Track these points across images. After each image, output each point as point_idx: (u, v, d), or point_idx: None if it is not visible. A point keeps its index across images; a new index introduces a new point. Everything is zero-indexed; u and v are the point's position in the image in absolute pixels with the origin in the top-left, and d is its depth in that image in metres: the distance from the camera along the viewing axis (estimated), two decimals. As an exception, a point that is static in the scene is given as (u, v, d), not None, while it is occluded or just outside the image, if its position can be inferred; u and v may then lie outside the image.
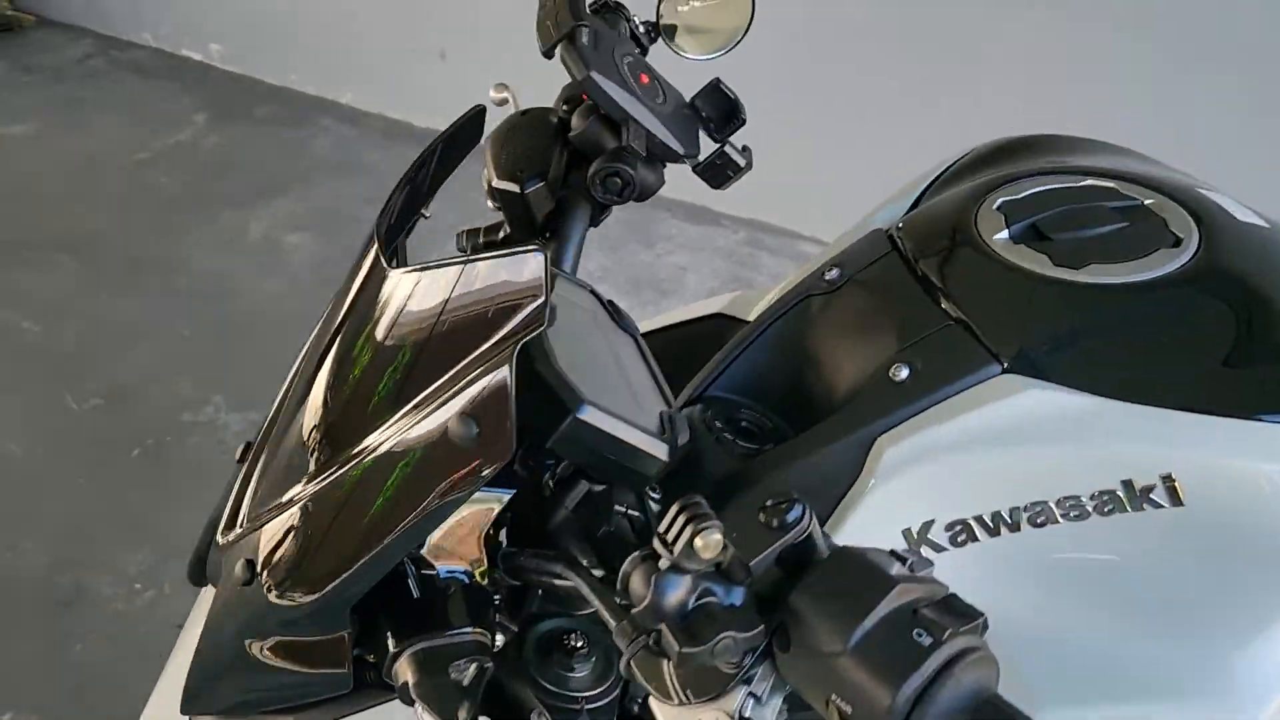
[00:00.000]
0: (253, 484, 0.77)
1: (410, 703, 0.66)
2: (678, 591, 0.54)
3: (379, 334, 0.67)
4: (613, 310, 0.85)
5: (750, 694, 0.56)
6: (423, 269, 0.66)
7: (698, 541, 0.53)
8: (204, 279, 3.36)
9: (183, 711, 0.75)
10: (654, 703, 0.59)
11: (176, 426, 2.77)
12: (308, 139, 4.10)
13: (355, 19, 4.08)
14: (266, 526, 0.71)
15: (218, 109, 4.31)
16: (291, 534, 0.69)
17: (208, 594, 0.83)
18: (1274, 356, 0.75)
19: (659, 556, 0.55)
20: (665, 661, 0.58)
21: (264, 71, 4.49)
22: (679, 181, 3.88)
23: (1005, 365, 0.75)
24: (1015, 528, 0.74)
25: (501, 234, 0.95)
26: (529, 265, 0.62)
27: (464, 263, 0.64)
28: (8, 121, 4.30)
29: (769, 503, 0.56)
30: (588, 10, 0.87)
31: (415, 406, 0.63)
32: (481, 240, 0.96)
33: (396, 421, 0.64)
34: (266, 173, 3.88)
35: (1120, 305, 0.76)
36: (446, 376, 0.62)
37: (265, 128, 4.19)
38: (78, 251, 3.45)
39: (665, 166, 0.91)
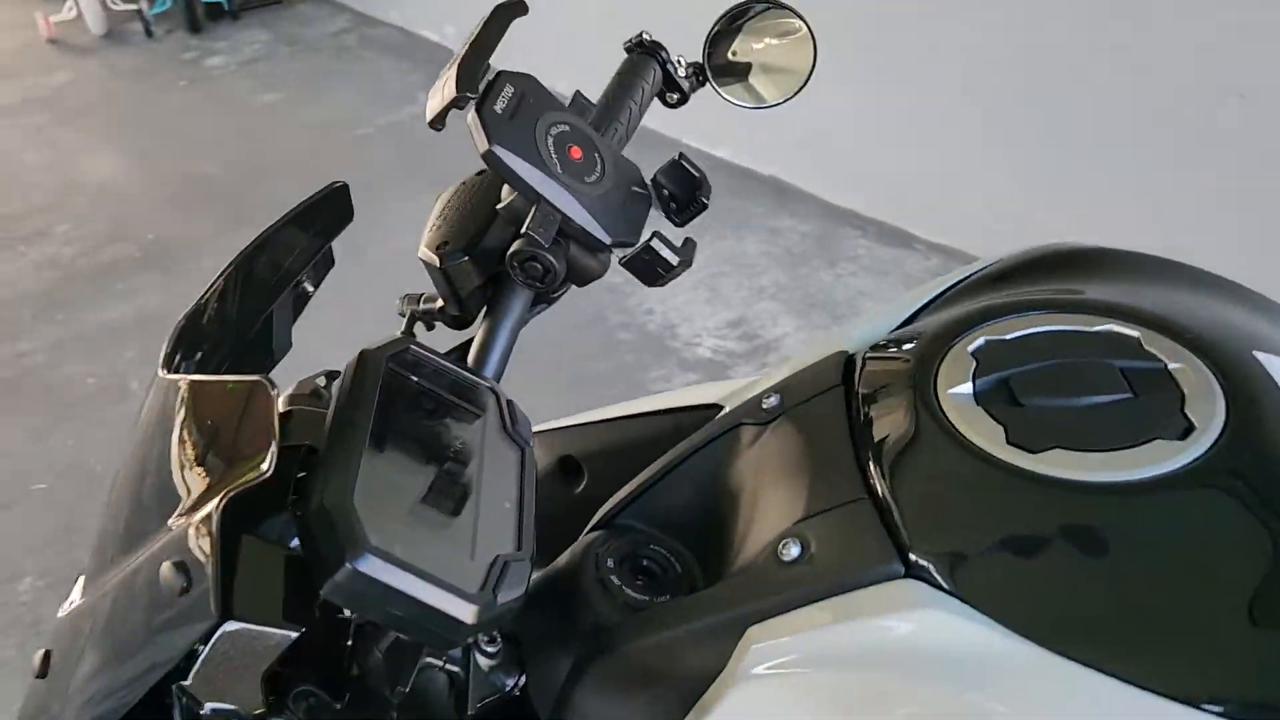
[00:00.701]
0: (90, 560, 0.73)
1: None
2: None
3: (152, 443, 0.61)
4: (509, 416, 0.74)
5: None
6: (182, 381, 0.58)
7: None
8: (393, 257, 3.49)
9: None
10: None
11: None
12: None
13: (582, 14, 4.10)
14: (61, 624, 0.67)
15: (440, 89, 4.47)
16: (68, 643, 0.64)
17: None
18: (1269, 641, 0.52)
19: None
20: None
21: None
22: (874, 200, 3.67)
23: (910, 566, 0.58)
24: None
25: (438, 304, 0.86)
26: (263, 402, 0.53)
27: (212, 380, 0.56)
28: (262, 90, 4.66)
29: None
30: (497, 76, 0.76)
31: (150, 538, 0.57)
32: (420, 308, 0.88)
33: (133, 549, 0.58)
34: (473, 159, 3.97)
35: (1076, 514, 0.56)
36: (175, 515, 0.55)
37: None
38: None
39: (610, 251, 0.79)
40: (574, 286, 0.82)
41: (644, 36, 1.04)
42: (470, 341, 0.84)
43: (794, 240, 3.33)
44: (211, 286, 0.72)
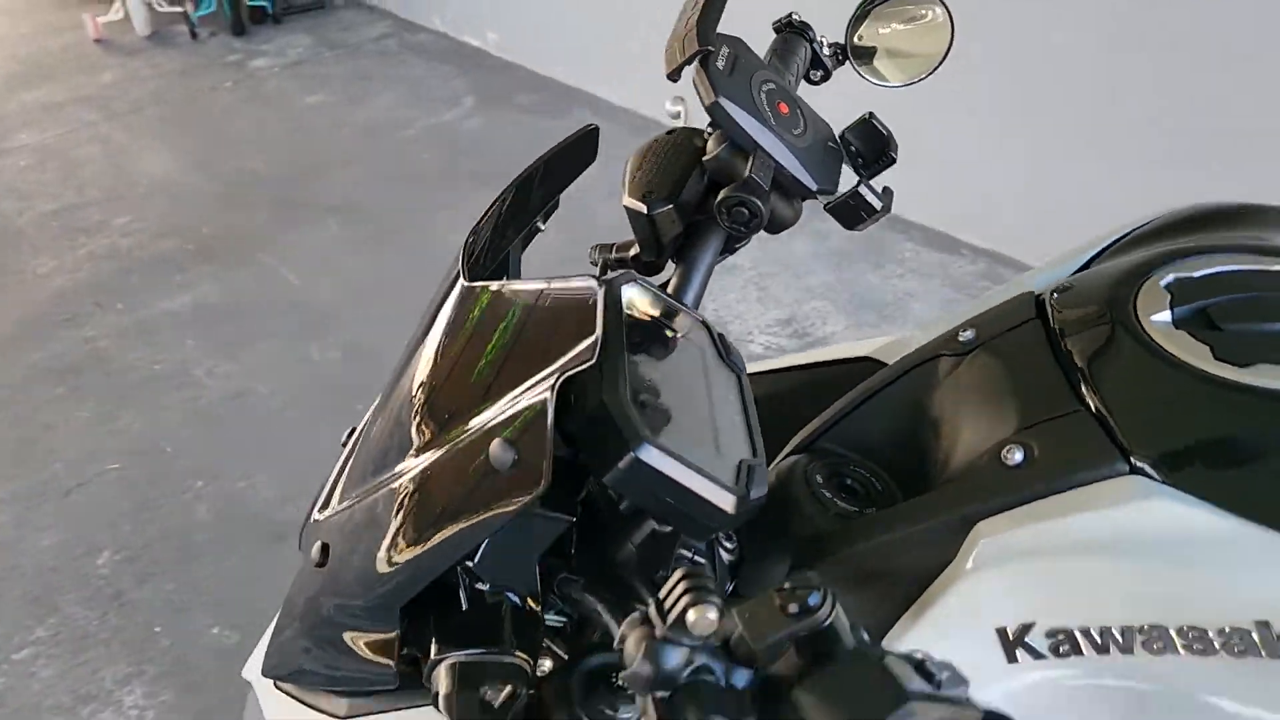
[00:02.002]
0: (348, 470, 0.80)
1: (441, 712, 0.66)
2: (670, 662, 0.51)
3: (451, 346, 0.68)
4: (721, 346, 0.82)
5: None
6: (495, 287, 0.66)
7: (690, 615, 0.50)
8: (447, 248, 3.57)
9: (264, 673, 0.80)
10: None
11: (399, 388, 2.96)
12: (563, 129, 4.26)
13: (626, 17, 4.19)
14: (343, 515, 0.73)
15: (484, 93, 4.56)
16: (359, 528, 0.71)
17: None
18: None
19: (653, 625, 0.52)
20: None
21: (532, 61, 4.70)
22: (922, 205, 3.72)
23: (1135, 465, 0.66)
24: (1127, 649, 0.65)
25: (632, 252, 0.93)
26: (587, 299, 0.60)
27: (526, 287, 0.63)
28: (307, 92, 4.75)
29: (787, 585, 0.52)
30: (716, 36, 0.83)
31: (469, 423, 0.64)
32: (613, 256, 0.95)
33: (453, 434, 0.65)
34: (518, 158, 4.06)
35: None
36: (500, 402, 0.62)
37: (525, 115, 4.39)
38: (343, 215, 3.76)
39: (804, 199, 0.86)
40: (764, 233, 0.89)
41: (793, 17, 1.11)
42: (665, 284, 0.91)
43: (839, 240, 3.41)
44: (484, 214, 0.79)
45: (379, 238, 3.64)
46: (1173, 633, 0.64)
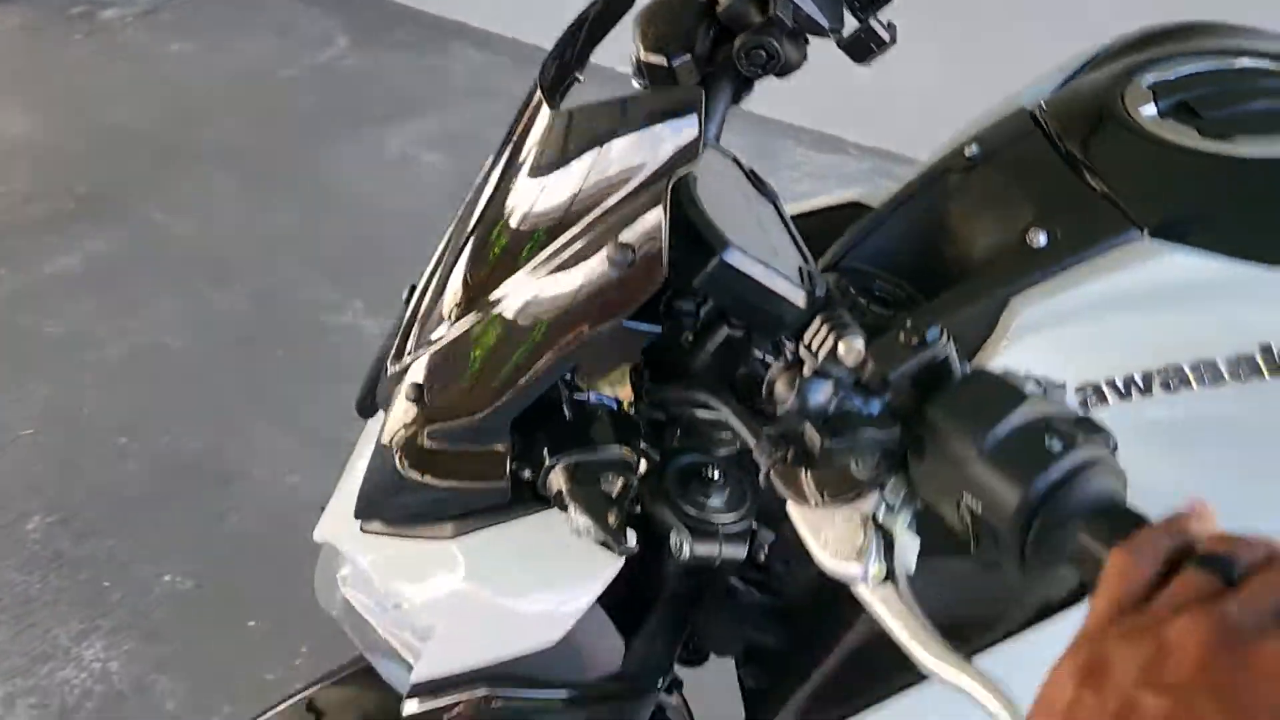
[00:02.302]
0: (418, 321, 0.84)
1: (564, 508, 0.72)
2: (820, 395, 0.58)
3: (538, 172, 0.73)
4: (754, 178, 0.89)
5: (884, 500, 0.60)
6: (581, 107, 0.71)
7: (840, 347, 0.57)
8: (344, 191, 3.51)
9: (356, 516, 0.84)
10: (792, 508, 0.64)
11: (317, 328, 2.93)
12: (442, 64, 4.21)
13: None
14: (434, 353, 0.78)
15: (357, 32, 4.45)
16: (457, 359, 0.76)
17: (373, 425, 0.91)
18: None
19: (803, 364, 0.59)
20: (803, 471, 0.63)
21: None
22: (805, 108, 3.79)
23: (1146, 231, 0.76)
24: (1147, 391, 0.75)
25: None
26: (686, 102, 0.66)
27: (624, 100, 0.68)
28: (169, 40, 4.53)
29: (909, 323, 0.60)
30: None
31: (573, 237, 0.69)
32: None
33: (556, 251, 0.70)
34: (403, 94, 4.00)
35: (1269, 175, 0.76)
36: (603, 209, 0.67)
37: (402, 51, 4.31)
38: (228, 161, 3.64)
39: (808, 43, 0.93)
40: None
41: None
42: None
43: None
44: (554, 48, 0.82)
45: (268, 184, 3.55)
46: (1187, 370, 0.75)
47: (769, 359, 0.81)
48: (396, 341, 0.85)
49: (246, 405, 2.69)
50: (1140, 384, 0.76)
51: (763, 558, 0.90)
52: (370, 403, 0.90)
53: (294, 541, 2.35)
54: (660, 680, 0.85)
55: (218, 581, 2.26)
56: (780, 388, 0.61)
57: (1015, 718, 0.53)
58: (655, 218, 0.65)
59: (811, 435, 0.58)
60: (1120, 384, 0.77)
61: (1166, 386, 0.76)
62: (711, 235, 0.71)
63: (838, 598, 0.87)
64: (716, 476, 0.78)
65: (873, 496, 0.60)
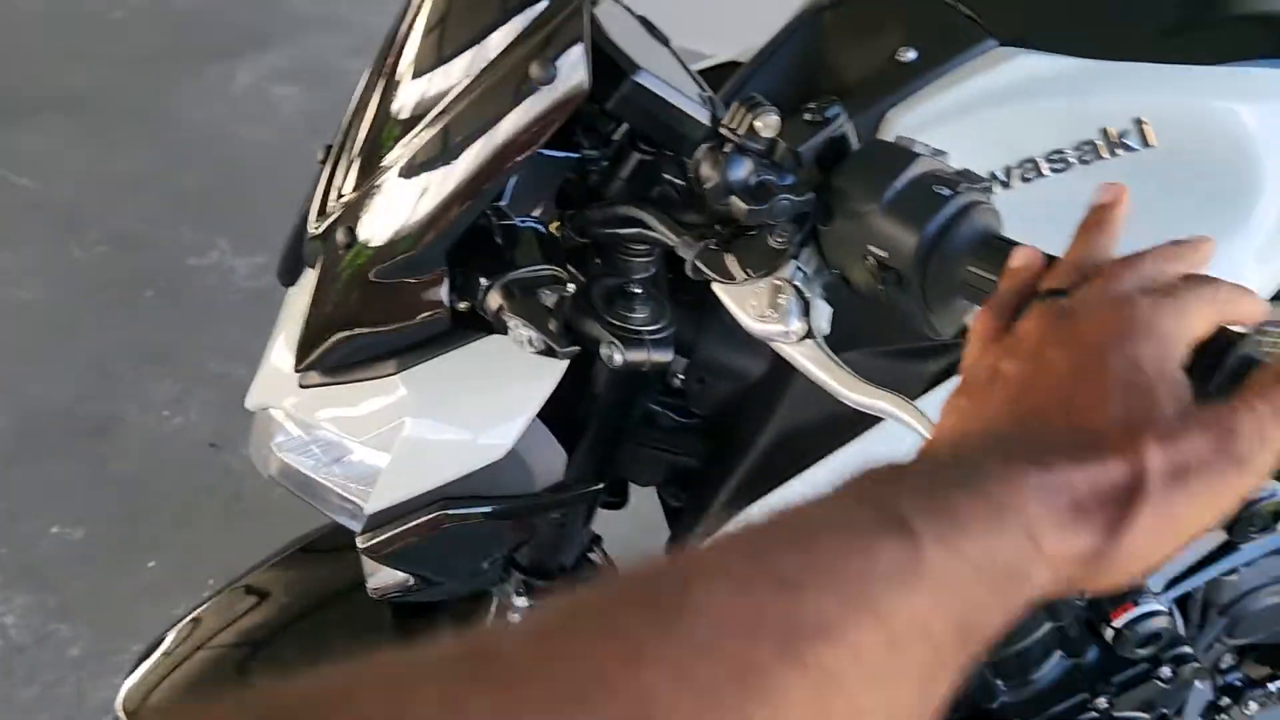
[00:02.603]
0: (337, 176, 0.87)
1: (503, 328, 0.78)
2: (740, 170, 0.66)
3: (441, 24, 0.77)
4: (647, 24, 0.94)
5: (799, 268, 0.68)
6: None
7: (757, 123, 0.65)
8: (195, 130, 3.39)
9: (296, 370, 0.87)
10: (718, 288, 0.71)
11: (184, 269, 2.85)
12: (282, -7, 4.08)
13: None
14: (361, 199, 0.81)
15: (187, -33, 4.26)
16: (388, 199, 0.79)
17: (295, 292, 0.94)
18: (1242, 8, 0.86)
19: (724, 144, 0.66)
20: (726, 254, 0.71)
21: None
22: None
23: (1000, 40, 0.86)
24: (1007, 184, 0.86)
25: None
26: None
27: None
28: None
29: (811, 104, 0.67)
30: None
31: (491, 64, 0.74)
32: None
33: (474, 79, 0.74)
34: (244, 29, 3.87)
35: None
36: (519, 32, 0.72)
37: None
38: (66, 108, 3.47)
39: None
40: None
41: None
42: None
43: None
44: None
45: (115, 129, 3.40)
46: (1040, 160, 0.86)
47: (678, 182, 0.88)
48: (318, 200, 0.88)
49: (117, 351, 2.61)
50: (1002, 179, 0.87)
51: (677, 383, 0.98)
52: (294, 265, 0.92)
53: (192, 480, 2.34)
54: (600, 483, 0.92)
55: (109, 528, 2.21)
56: (705, 169, 0.68)
57: (927, 428, 0.63)
58: (573, 28, 0.70)
59: (737, 205, 0.65)
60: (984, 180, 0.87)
61: (1024, 178, 0.86)
62: (622, 60, 0.77)
63: (748, 404, 0.97)
64: (639, 291, 0.85)
65: (789, 266, 0.68)
